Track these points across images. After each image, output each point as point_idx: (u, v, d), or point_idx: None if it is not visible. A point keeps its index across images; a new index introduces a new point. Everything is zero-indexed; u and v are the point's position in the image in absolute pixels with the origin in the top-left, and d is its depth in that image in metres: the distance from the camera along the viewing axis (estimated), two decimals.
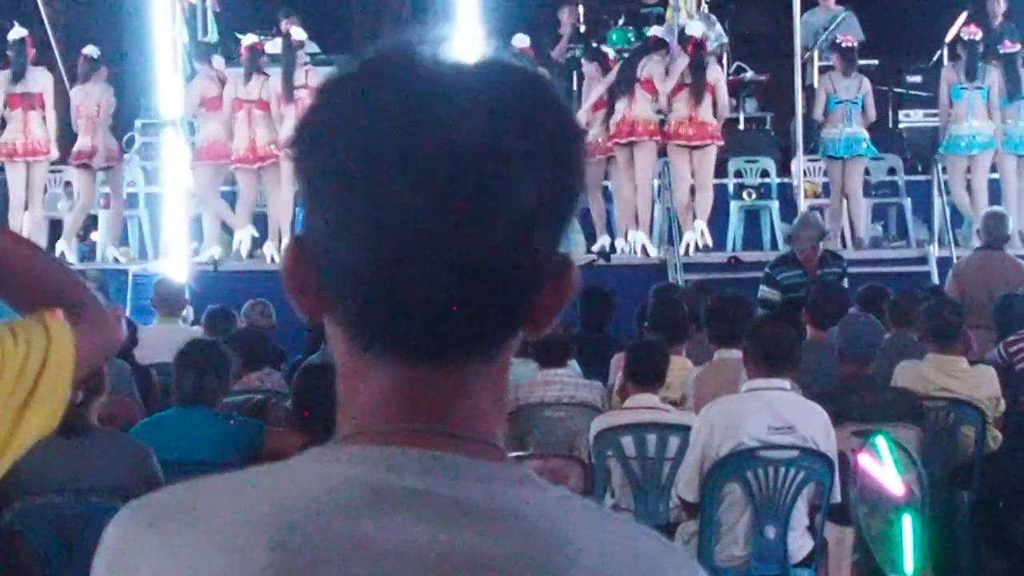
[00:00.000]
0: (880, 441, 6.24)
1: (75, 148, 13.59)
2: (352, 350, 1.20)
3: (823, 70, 14.75)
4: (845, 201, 13.45)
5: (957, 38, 13.49)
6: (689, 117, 12.89)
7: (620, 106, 12.98)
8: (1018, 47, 13.73)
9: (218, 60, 14.01)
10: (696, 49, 13.06)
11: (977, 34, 13.48)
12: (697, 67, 12.96)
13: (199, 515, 1.16)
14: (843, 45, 13.50)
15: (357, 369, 1.21)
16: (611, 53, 14.05)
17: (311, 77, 13.20)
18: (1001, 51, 13.54)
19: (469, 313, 1.16)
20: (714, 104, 13.01)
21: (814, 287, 9.24)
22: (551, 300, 1.20)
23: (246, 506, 1.15)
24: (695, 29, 13.36)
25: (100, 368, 5.34)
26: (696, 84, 12.90)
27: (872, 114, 13.66)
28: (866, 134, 13.48)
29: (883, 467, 6.16)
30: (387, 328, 1.17)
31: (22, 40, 13.38)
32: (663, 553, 1.21)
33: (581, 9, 16.54)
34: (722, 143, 13.22)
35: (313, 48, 14.52)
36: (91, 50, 13.67)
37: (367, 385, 1.20)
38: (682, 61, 13.00)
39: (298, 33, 13.64)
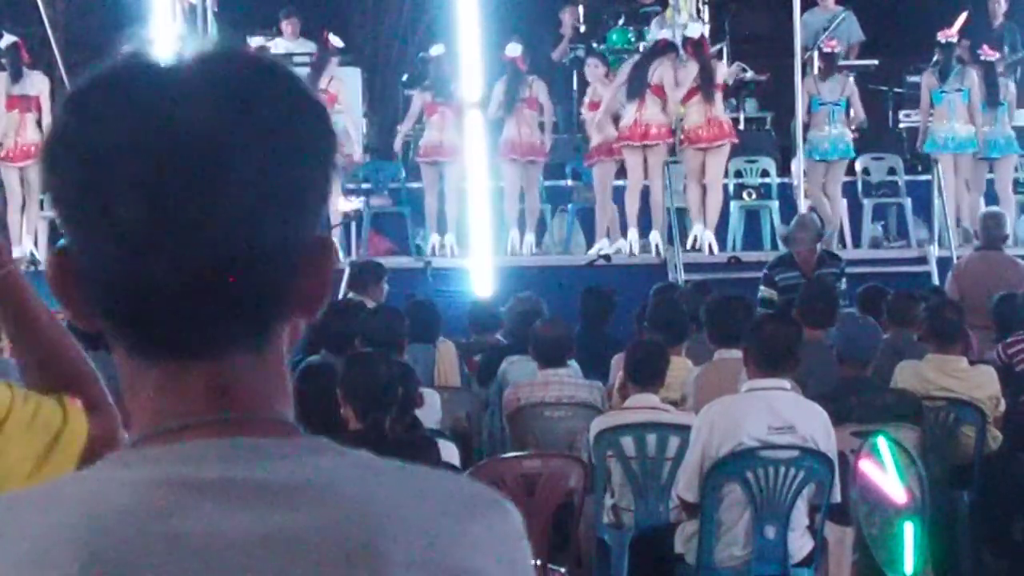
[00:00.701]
0: (881, 441, 6.24)
1: None
2: (126, 354, 1.22)
3: None
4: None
5: (935, 41, 13.54)
6: (707, 120, 12.96)
7: (631, 109, 13.00)
8: (997, 55, 13.83)
9: None
10: (697, 49, 13.08)
11: (953, 37, 13.54)
12: (703, 68, 12.99)
13: (11, 531, 1.16)
14: (824, 50, 13.64)
15: (134, 372, 1.22)
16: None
17: (333, 84, 13.29)
18: (981, 57, 13.61)
19: (217, 306, 1.17)
20: (712, 106, 13.08)
21: (804, 287, 9.24)
22: (313, 284, 1.22)
23: (57, 519, 1.15)
24: (694, 31, 13.40)
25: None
26: (706, 86, 12.96)
27: (861, 115, 13.73)
28: (849, 136, 13.56)
29: (885, 472, 6.15)
30: (143, 330, 1.20)
31: (15, 45, 13.36)
32: (473, 496, 1.23)
33: (581, 9, 16.56)
34: (736, 141, 13.32)
35: (312, 48, 14.52)
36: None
37: (145, 386, 1.21)
38: (692, 68, 13.04)
39: (335, 40, 13.66)
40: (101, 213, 1.16)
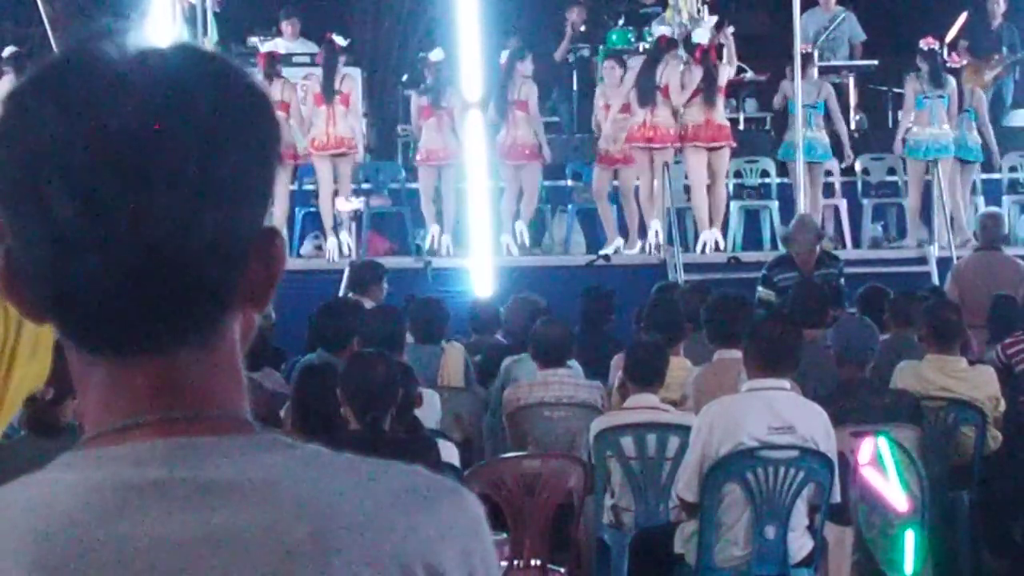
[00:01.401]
0: (882, 443, 6.24)
1: None
2: (75, 352, 1.21)
3: (823, 71, 14.77)
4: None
5: (918, 49, 13.57)
6: (706, 121, 13.03)
7: (640, 113, 13.05)
8: (965, 61, 13.93)
9: None
10: (704, 56, 13.14)
11: (935, 44, 13.60)
12: (707, 74, 13.05)
13: None
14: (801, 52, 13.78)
15: (83, 370, 1.22)
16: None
17: (346, 83, 13.37)
18: (949, 64, 13.70)
19: (157, 302, 1.16)
20: (713, 110, 13.16)
21: (795, 289, 9.20)
22: (260, 276, 1.20)
23: (5, 526, 1.15)
24: (702, 36, 13.46)
25: None
26: (709, 91, 13.02)
27: (837, 118, 13.74)
28: (826, 139, 13.60)
29: (887, 479, 6.15)
30: (84, 328, 1.19)
31: (16, 55, 13.37)
32: (427, 487, 1.21)
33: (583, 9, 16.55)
34: (735, 145, 13.39)
35: (312, 48, 14.52)
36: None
37: (92, 384, 1.21)
38: (697, 73, 13.10)
39: (339, 39, 13.69)
40: (36, 210, 1.15)
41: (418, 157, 13.58)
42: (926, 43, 13.61)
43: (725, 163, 13.24)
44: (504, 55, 13.63)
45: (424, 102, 13.48)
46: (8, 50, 13.46)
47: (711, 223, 13.16)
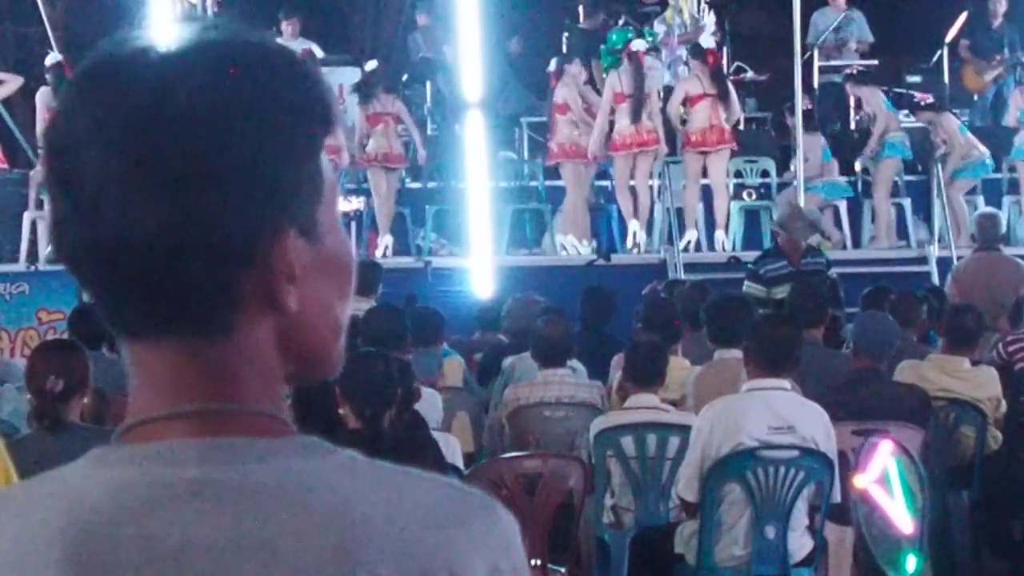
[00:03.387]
0: (891, 466, 6.20)
1: None
2: (118, 337, 1.23)
3: (823, 70, 14.77)
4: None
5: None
6: (711, 125, 13.12)
7: (625, 123, 13.14)
8: (965, 58, 14.21)
9: None
10: (714, 60, 13.24)
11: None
12: (714, 77, 13.15)
13: None
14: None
15: (127, 356, 1.23)
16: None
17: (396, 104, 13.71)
18: (920, 102, 14.00)
19: (163, 284, 1.17)
20: (728, 108, 13.24)
21: (793, 289, 9.10)
22: (263, 277, 1.19)
23: (35, 521, 1.16)
24: (709, 42, 13.60)
25: (84, 365, 5.34)
26: (720, 94, 13.11)
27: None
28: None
29: (893, 501, 6.12)
30: (105, 303, 1.20)
31: (59, 64, 13.38)
32: (460, 502, 1.21)
33: (581, 9, 16.55)
34: (736, 147, 13.49)
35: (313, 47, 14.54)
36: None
37: (129, 366, 1.22)
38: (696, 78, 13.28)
39: (317, 51, 13.83)
40: (68, 188, 1.18)
41: (367, 158, 13.65)
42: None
43: (724, 164, 13.32)
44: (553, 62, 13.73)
45: (368, 111, 13.63)
46: (51, 58, 13.48)
47: (718, 225, 13.27)
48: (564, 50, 15.30)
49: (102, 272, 1.18)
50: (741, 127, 15.21)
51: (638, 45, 13.41)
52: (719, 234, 13.30)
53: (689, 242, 13.24)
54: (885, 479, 6.19)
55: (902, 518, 6.14)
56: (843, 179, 14.05)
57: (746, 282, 10.30)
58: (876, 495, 6.18)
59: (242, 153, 1.16)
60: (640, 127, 13.05)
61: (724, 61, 15.57)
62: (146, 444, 1.18)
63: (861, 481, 6.20)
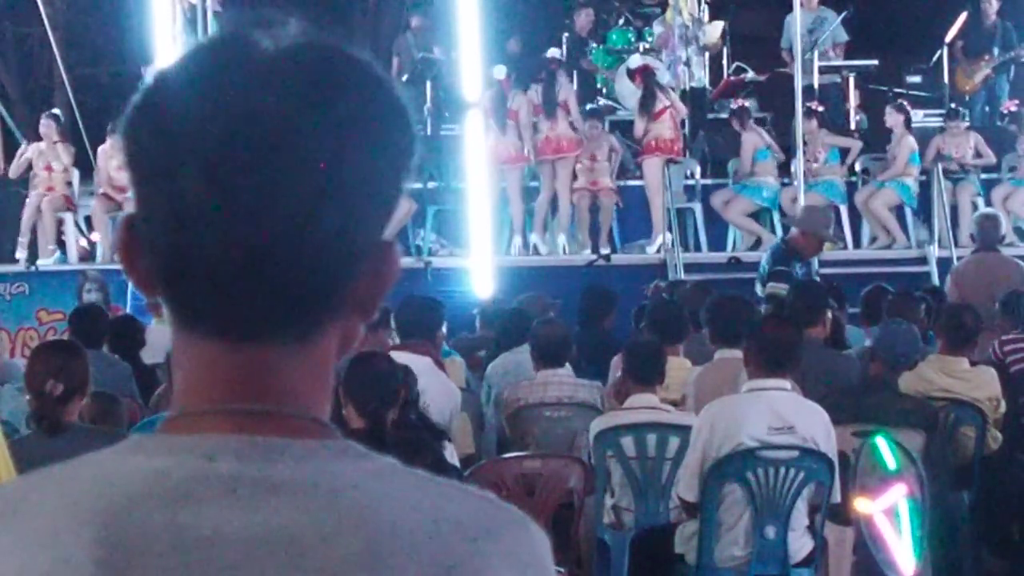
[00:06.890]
0: (881, 443, 6.22)
1: None
2: (176, 329, 1.22)
3: (823, 70, 14.77)
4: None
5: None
6: (675, 135, 13.93)
7: (544, 127, 13.83)
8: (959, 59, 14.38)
9: None
10: (644, 77, 13.95)
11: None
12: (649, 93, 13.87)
13: (27, 511, 1.18)
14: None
15: (180, 348, 1.23)
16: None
17: None
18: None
19: (262, 289, 1.17)
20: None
21: (791, 290, 9.07)
22: (370, 287, 1.21)
23: (70, 501, 1.17)
24: (635, 61, 14.49)
25: (84, 367, 5.34)
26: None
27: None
28: None
29: (899, 538, 6.10)
30: (189, 304, 1.20)
31: None
32: (492, 515, 1.21)
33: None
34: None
35: None
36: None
37: (184, 363, 1.22)
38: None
39: None
40: (165, 184, 1.17)
41: None
42: None
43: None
44: (498, 71, 14.11)
45: None
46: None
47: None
48: (563, 50, 15.31)
49: (205, 270, 1.17)
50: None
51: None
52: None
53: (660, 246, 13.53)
54: (894, 514, 6.15)
55: (906, 559, 6.10)
56: (840, 179, 14.01)
57: (770, 283, 10.15)
58: (882, 525, 6.14)
59: (364, 167, 1.18)
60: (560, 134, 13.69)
61: (724, 61, 15.62)
62: (187, 436, 1.19)
63: (868, 506, 6.18)
